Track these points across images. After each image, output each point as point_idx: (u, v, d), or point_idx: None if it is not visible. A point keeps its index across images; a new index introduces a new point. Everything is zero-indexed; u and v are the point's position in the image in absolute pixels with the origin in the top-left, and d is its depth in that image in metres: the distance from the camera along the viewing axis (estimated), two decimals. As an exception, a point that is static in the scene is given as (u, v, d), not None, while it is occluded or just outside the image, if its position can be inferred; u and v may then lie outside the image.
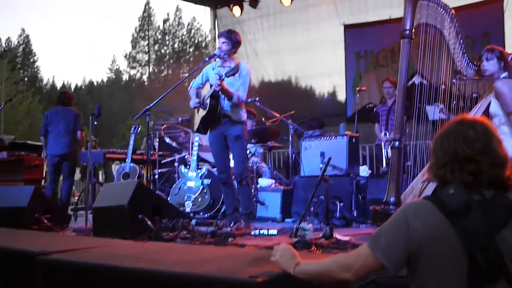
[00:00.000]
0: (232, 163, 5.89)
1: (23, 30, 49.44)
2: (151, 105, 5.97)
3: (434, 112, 5.05)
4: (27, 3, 76.19)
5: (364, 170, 6.84)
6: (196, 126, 5.89)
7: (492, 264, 1.82)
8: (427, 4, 4.57)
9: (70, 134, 8.04)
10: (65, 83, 53.46)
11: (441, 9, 4.56)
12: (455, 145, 1.96)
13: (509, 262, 1.83)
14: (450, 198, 1.89)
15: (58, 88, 51.83)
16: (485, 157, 1.91)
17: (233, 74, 5.43)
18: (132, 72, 49.02)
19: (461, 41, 4.59)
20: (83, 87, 51.35)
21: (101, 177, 10.53)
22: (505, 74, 4.57)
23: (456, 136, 1.97)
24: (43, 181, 9.27)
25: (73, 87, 52.18)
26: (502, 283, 1.83)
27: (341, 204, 5.97)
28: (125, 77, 49.97)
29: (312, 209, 5.65)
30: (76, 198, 10.13)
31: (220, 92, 5.48)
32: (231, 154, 5.82)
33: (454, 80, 4.63)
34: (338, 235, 4.47)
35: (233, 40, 5.72)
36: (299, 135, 7.71)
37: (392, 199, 4.39)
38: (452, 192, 1.91)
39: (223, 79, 5.35)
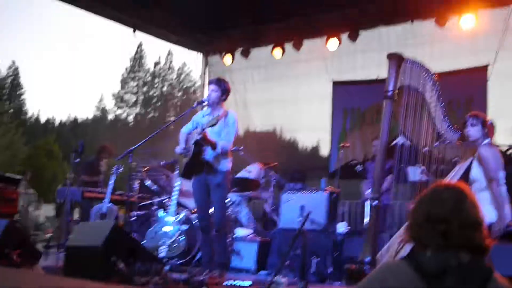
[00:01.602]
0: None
1: (13, 62, 49.47)
2: (135, 146, 5.95)
3: (414, 173, 5.10)
4: (21, 35, 76.49)
5: (342, 226, 6.82)
6: (181, 172, 5.89)
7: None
8: (410, 67, 4.68)
9: None
10: (50, 118, 53.34)
11: (424, 73, 4.67)
12: (429, 206, 1.99)
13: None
14: (427, 261, 1.91)
15: (42, 122, 51.68)
16: (455, 218, 1.94)
17: (213, 125, 5.47)
18: (119, 111, 49.09)
19: (442, 104, 4.68)
20: (67, 123, 51.20)
21: (77, 215, 10.36)
22: (487, 140, 4.65)
23: (431, 198, 2.01)
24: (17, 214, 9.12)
25: (57, 122, 52.05)
26: None
27: (317, 259, 5.91)
28: (111, 116, 50.00)
29: (288, 262, 5.59)
30: (49, 235, 9.94)
31: (202, 142, 5.52)
32: (211, 202, 5.80)
33: (436, 144, 4.69)
34: (312, 291, 4.42)
35: (223, 88, 5.80)
36: (280, 187, 7.71)
37: (367, 259, 4.36)
38: (429, 255, 1.92)
39: (204, 129, 5.40)
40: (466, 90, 8.87)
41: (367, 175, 7.78)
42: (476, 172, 4.56)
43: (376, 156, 7.71)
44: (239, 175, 8.04)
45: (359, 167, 7.96)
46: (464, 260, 1.90)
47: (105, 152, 9.11)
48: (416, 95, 4.67)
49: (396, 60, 4.68)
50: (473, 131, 4.71)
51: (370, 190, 7.42)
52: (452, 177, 4.70)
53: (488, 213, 4.36)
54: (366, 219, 7.31)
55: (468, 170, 4.69)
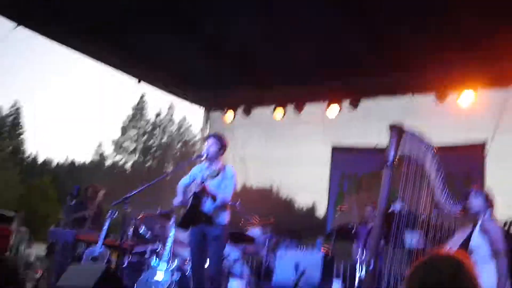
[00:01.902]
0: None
1: (16, 101, 49.88)
2: (131, 193, 6.00)
3: (411, 239, 5.12)
4: (23, 76, 77.36)
5: (338, 282, 6.76)
6: (179, 222, 5.92)
7: None
8: (410, 139, 4.80)
9: None
10: (47, 159, 53.29)
11: (423, 146, 4.79)
12: (425, 275, 1.99)
13: None
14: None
15: (39, 162, 51.62)
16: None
17: (213, 177, 5.56)
18: (117, 158, 49.17)
19: (441, 176, 4.77)
20: (64, 165, 51.13)
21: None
22: (489, 212, 4.73)
23: (427, 267, 2.02)
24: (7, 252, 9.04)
25: (54, 163, 51.98)
26: None
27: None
28: (108, 162, 50.03)
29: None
30: (38, 274, 9.81)
31: (201, 194, 5.59)
32: (208, 253, 5.80)
33: (435, 211, 4.75)
34: None
35: (221, 143, 5.91)
36: (275, 244, 7.68)
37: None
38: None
39: (204, 181, 5.48)
40: (464, 165, 8.98)
41: (358, 239, 7.79)
42: (478, 241, 4.61)
43: (367, 221, 7.81)
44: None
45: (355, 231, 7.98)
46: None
47: (91, 191, 8.98)
48: (415, 165, 4.77)
49: (397, 131, 4.81)
50: (476, 202, 4.80)
51: (360, 253, 7.46)
52: (451, 245, 4.74)
53: (487, 283, 4.38)
54: (356, 282, 7.28)
55: (467, 239, 4.73)
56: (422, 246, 4.90)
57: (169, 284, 6.75)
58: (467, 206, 4.84)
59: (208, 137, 6.06)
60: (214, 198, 5.61)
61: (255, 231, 8.14)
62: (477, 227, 4.71)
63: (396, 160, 4.75)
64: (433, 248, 2.15)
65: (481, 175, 9.05)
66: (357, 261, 7.62)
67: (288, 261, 6.67)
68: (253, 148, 11.99)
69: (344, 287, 7.27)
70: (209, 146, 5.89)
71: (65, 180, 40.14)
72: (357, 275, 7.21)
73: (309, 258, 6.57)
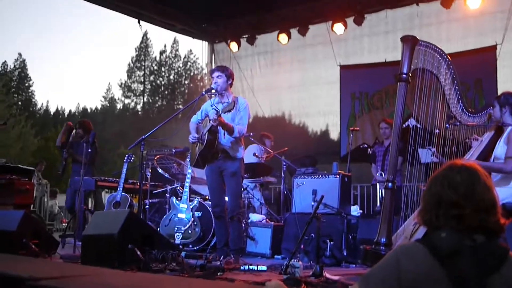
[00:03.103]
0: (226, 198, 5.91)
1: (20, 54, 49.44)
2: (146, 135, 5.98)
3: (426, 155, 5.11)
4: (26, 28, 76.53)
5: (355, 210, 6.85)
6: (194, 161, 5.92)
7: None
8: (424, 50, 4.66)
9: None
10: (59, 108, 53.51)
11: (438, 56, 4.66)
12: (441, 190, 2.00)
13: (498, 308, 1.84)
14: (441, 241, 1.91)
15: (52, 113, 51.88)
16: (469, 202, 1.94)
17: (229, 110, 5.52)
18: (127, 101, 49.19)
19: (457, 87, 4.68)
20: (77, 113, 51.35)
21: (90, 205, 10.46)
22: None
23: (443, 181, 2.01)
24: (32, 205, 9.21)
25: (66, 112, 52.22)
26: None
27: (332, 243, 5.95)
28: (119, 105, 50.10)
29: (302, 246, 5.64)
30: (64, 224, 10.06)
31: (218, 127, 5.55)
32: (226, 189, 5.84)
33: (447, 125, 4.70)
34: (328, 274, 4.47)
35: (226, 72, 5.81)
36: (292, 172, 7.74)
37: (383, 240, 4.39)
38: (443, 236, 1.93)
39: (220, 114, 5.42)
40: (475, 71, 8.85)
41: (376, 159, 7.81)
42: (502, 150, 4.57)
43: (383, 138, 7.82)
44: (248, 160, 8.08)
45: (370, 151, 7.99)
46: (479, 241, 1.91)
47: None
48: (430, 78, 4.67)
49: (410, 42, 4.66)
50: (495, 113, 4.73)
51: (379, 173, 7.51)
52: (472, 154, 4.73)
53: (503, 193, 4.40)
54: (378, 202, 7.38)
55: (492, 146, 4.69)
56: (437, 161, 4.88)
57: (192, 222, 6.88)
58: (494, 115, 4.76)
59: (213, 70, 5.95)
60: (231, 130, 5.57)
61: (255, 148, 8.15)
62: (503, 136, 4.65)
63: (410, 73, 4.66)
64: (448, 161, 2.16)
65: (494, 79, 8.94)
66: (373, 182, 7.70)
67: (306, 187, 6.74)
68: (261, 77, 11.95)
69: (361, 210, 7.37)
70: (216, 79, 5.80)
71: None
72: (378, 195, 7.29)
73: (326, 184, 6.63)
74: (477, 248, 1.91)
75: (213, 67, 12.17)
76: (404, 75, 4.64)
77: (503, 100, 4.73)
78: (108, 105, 50.82)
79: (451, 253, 1.88)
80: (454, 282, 1.85)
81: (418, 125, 5.05)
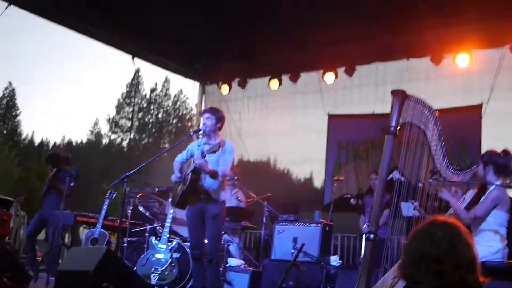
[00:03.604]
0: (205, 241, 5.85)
1: (10, 83, 49.49)
2: (130, 172, 5.94)
3: (408, 209, 5.13)
4: (18, 58, 76.76)
5: (335, 260, 6.80)
6: (175, 201, 5.87)
7: None
8: (413, 105, 4.72)
9: None
10: (44, 140, 53.18)
11: (427, 112, 4.72)
12: (422, 245, 2.00)
13: None
14: (421, 298, 1.90)
15: (36, 144, 51.53)
16: (450, 258, 1.94)
17: (214, 152, 5.51)
18: (113, 136, 49.05)
19: (443, 144, 4.73)
20: (61, 145, 51.02)
21: (67, 239, 10.30)
22: (498, 180, 4.71)
23: (425, 236, 2.02)
24: (7, 237, 9.06)
25: (51, 144, 51.88)
26: None
27: (310, 292, 5.89)
28: (105, 140, 49.92)
29: (281, 294, 5.56)
30: (38, 258, 9.87)
31: (201, 170, 5.54)
32: (206, 232, 5.79)
33: (430, 181, 4.73)
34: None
35: (217, 116, 5.83)
36: (273, 218, 7.70)
37: (361, 292, 4.34)
38: (423, 292, 1.92)
39: (205, 155, 5.42)
40: (460, 128, 8.94)
41: (365, 210, 7.79)
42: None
43: (372, 189, 7.81)
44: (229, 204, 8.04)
45: (353, 201, 7.99)
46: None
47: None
48: (417, 133, 4.72)
49: (400, 96, 4.71)
50: (478, 171, 4.79)
51: (366, 224, 7.49)
52: (462, 202, 4.76)
53: (483, 251, 4.41)
54: (362, 254, 7.33)
55: (473, 203, 4.73)
56: (418, 215, 4.89)
57: (170, 262, 6.78)
58: (478, 173, 4.82)
59: (204, 111, 5.97)
60: (215, 174, 5.55)
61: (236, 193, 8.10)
62: (486, 194, 4.70)
63: (398, 126, 4.70)
64: (429, 217, 2.17)
65: (478, 137, 9.04)
66: (360, 233, 7.67)
67: (287, 235, 6.70)
68: (249, 121, 11.98)
69: (341, 260, 7.31)
70: (206, 120, 5.81)
71: (63, 161, 40.08)
72: (363, 246, 7.24)
73: (307, 232, 6.60)
74: (456, 307, 1.89)
75: (203, 107, 12.31)
76: (392, 128, 4.68)
77: (486, 158, 4.80)
78: (94, 139, 50.62)
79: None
80: None
81: (402, 178, 5.06)
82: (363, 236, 7.29)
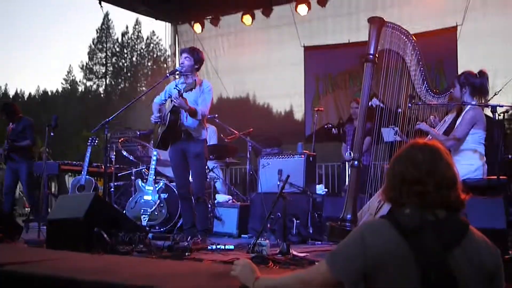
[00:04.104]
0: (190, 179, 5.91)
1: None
2: (110, 118, 5.92)
3: (389, 134, 5.21)
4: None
5: (320, 189, 6.94)
6: (157, 142, 5.88)
7: (444, 283, 1.89)
8: (391, 31, 4.72)
9: None
10: (18, 91, 52.26)
11: (404, 37, 4.73)
12: (404, 168, 2.04)
13: (460, 280, 1.90)
14: (406, 218, 1.96)
15: (11, 96, 50.65)
16: (431, 179, 1.99)
17: (191, 89, 5.47)
18: (89, 83, 48.33)
19: (422, 68, 4.77)
20: (37, 96, 50.27)
21: (53, 189, 10.31)
22: (472, 100, 4.78)
23: (406, 159, 2.06)
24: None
25: (26, 96, 51.06)
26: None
27: (298, 221, 6.03)
28: (81, 88, 49.22)
29: (269, 225, 5.70)
30: (27, 209, 9.91)
31: (180, 108, 5.51)
32: (190, 171, 5.84)
33: (409, 105, 4.79)
34: (294, 252, 4.53)
35: (196, 57, 5.76)
36: (257, 153, 7.78)
37: (348, 216, 4.48)
38: (407, 212, 1.98)
39: (182, 94, 5.39)
40: (436, 52, 8.95)
41: (346, 138, 7.89)
42: None
43: (352, 118, 7.89)
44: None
45: (334, 130, 8.08)
46: (440, 216, 1.97)
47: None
48: (396, 59, 4.74)
49: (377, 23, 4.71)
50: (455, 92, 4.85)
51: (348, 152, 7.61)
52: (438, 129, 4.85)
53: (464, 169, 4.55)
54: (346, 181, 7.48)
55: (452, 125, 4.82)
56: (400, 140, 4.98)
57: (158, 203, 6.87)
58: (454, 94, 4.88)
59: (184, 50, 5.89)
60: (194, 112, 5.54)
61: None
62: (462, 115, 4.79)
63: (377, 53, 4.71)
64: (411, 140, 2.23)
65: (454, 60, 9.09)
66: (343, 160, 7.79)
67: (271, 168, 6.79)
68: (225, 58, 11.88)
69: (326, 189, 7.46)
70: (184, 60, 5.75)
71: (39, 112, 39.57)
72: (347, 174, 7.38)
73: (291, 163, 6.69)
74: (439, 223, 1.96)
75: (177, 48, 12.15)
76: (371, 56, 4.71)
77: (463, 80, 4.85)
78: (69, 87, 49.85)
79: (414, 229, 1.93)
80: (417, 256, 1.90)
81: (382, 105, 5.12)
82: (346, 163, 7.45)
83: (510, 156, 5.91)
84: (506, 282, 2.07)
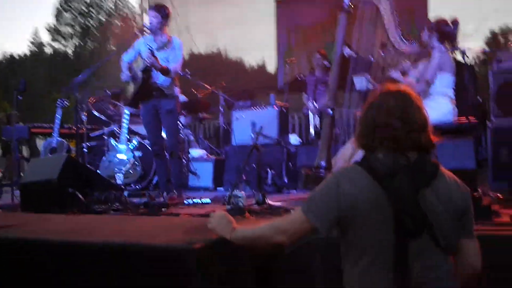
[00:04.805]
0: (164, 136, 5.88)
1: None
2: (78, 79, 5.82)
3: (361, 82, 5.22)
4: None
5: (294, 139, 6.99)
6: (128, 101, 5.83)
7: (417, 223, 1.93)
8: None
9: None
10: (-16, 56, 50.93)
11: None
12: (376, 114, 2.07)
13: (432, 219, 1.94)
14: (378, 163, 2.00)
15: (-24, 62, 49.35)
16: (403, 124, 2.02)
17: (163, 48, 5.43)
18: (56, 45, 47.23)
19: (395, 16, 4.76)
20: (4, 61, 49.08)
21: (25, 153, 10.18)
22: (439, 45, 4.80)
23: (378, 106, 2.08)
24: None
25: (-8, 60, 49.80)
26: (425, 238, 1.94)
27: (272, 171, 6.09)
28: (48, 50, 48.10)
29: (244, 177, 5.72)
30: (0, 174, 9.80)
31: (152, 67, 5.46)
32: (163, 127, 5.81)
33: (382, 54, 4.80)
34: (270, 201, 4.57)
35: (163, 13, 5.69)
36: (230, 106, 7.76)
37: (322, 163, 4.52)
38: (380, 156, 2.01)
39: (154, 53, 5.34)
40: (406, 1, 8.94)
41: (307, 88, 7.91)
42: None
43: (315, 69, 7.90)
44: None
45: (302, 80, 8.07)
46: (412, 159, 2.00)
47: None
48: (370, 8, 4.72)
49: (350, -28, 4.66)
50: (423, 36, 4.88)
51: (310, 101, 7.64)
52: (411, 74, 4.89)
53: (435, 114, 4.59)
54: (312, 130, 7.52)
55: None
56: (372, 87, 5.00)
57: (132, 161, 6.83)
58: (423, 42, 4.90)
59: (150, 8, 5.81)
60: (166, 70, 5.49)
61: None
62: (429, 60, 4.82)
63: (351, 3, 4.68)
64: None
65: (424, 7, 9.09)
66: (305, 111, 7.82)
67: (245, 120, 6.80)
68: (195, 14, 11.71)
69: (299, 138, 7.50)
70: (151, 19, 5.67)
71: (7, 76, 38.73)
72: (311, 124, 7.42)
73: (264, 115, 6.71)
74: (410, 166, 1.99)
75: (146, 6, 11.90)
76: (345, 5, 4.68)
77: (433, 25, 4.87)
78: (36, 50, 48.70)
79: (387, 173, 1.96)
80: (391, 199, 1.93)
81: (353, 54, 5.10)
82: (309, 113, 7.50)
83: (480, 99, 6.00)
84: (475, 219, 2.13)
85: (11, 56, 48.99)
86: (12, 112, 7.19)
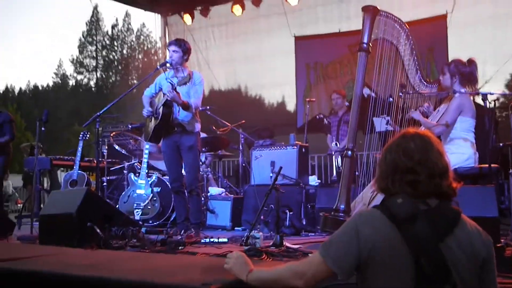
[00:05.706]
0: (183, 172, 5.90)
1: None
2: (101, 111, 5.88)
3: (380, 124, 5.21)
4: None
5: (313, 180, 6.94)
6: (149, 136, 5.85)
7: (437, 271, 1.90)
8: (385, 20, 4.70)
9: None
10: (9, 86, 51.91)
11: (398, 26, 4.71)
12: (396, 157, 2.04)
13: (453, 268, 1.91)
14: (398, 207, 1.97)
15: (1, 91, 50.32)
16: (423, 168, 2.00)
17: (185, 83, 5.46)
18: (79, 77, 48.03)
19: (415, 57, 4.76)
20: (28, 91, 49.94)
21: (46, 184, 10.27)
22: (461, 88, 4.79)
23: (397, 149, 2.06)
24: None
25: (16, 91, 50.72)
26: (445, 287, 1.91)
27: (291, 213, 6.03)
28: (71, 82, 48.90)
29: (262, 217, 5.69)
30: (19, 205, 9.89)
31: (173, 102, 5.49)
32: (183, 164, 5.82)
33: (400, 94, 4.80)
34: (288, 243, 4.53)
35: (183, 48, 5.73)
36: (249, 145, 7.77)
37: (342, 207, 4.47)
38: (399, 201, 1.98)
39: (175, 88, 5.37)
40: (427, 40, 8.97)
41: (330, 130, 7.91)
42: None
43: (336, 110, 7.92)
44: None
45: (326, 121, 8.09)
46: (433, 205, 1.97)
47: None
48: (390, 48, 4.72)
49: (371, 12, 4.68)
50: (444, 81, 4.86)
51: (334, 142, 7.63)
52: (432, 119, 4.87)
53: (456, 159, 4.55)
54: (334, 172, 7.50)
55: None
56: (392, 129, 4.98)
57: (151, 197, 6.85)
58: (443, 82, 4.90)
59: (170, 44, 5.87)
60: (187, 105, 5.53)
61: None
62: (450, 102, 4.80)
63: (371, 42, 4.69)
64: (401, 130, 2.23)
65: (445, 47, 9.10)
66: (330, 152, 7.80)
67: (264, 159, 6.78)
68: (216, 49, 11.85)
69: (319, 180, 7.45)
70: (172, 53, 5.72)
71: (31, 107, 39.34)
72: (334, 164, 7.39)
73: (284, 154, 6.68)
74: (431, 212, 1.97)
75: (167, 40, 12.09)
76: (365, 45, 4.68)
77: (453, 69, 4.86)
78: (60, 81, 49.53)
79: (407, 218, 1.93)
80: (411, 245, 1.90)
81: (373, 95, 5.11)
82: (333, 154, 7.48)
83: (501, 144, 5.95)
84: (498, 270, 2.08)
85: (35, 87, 49.87)
86: (35, 143, 7.25)
